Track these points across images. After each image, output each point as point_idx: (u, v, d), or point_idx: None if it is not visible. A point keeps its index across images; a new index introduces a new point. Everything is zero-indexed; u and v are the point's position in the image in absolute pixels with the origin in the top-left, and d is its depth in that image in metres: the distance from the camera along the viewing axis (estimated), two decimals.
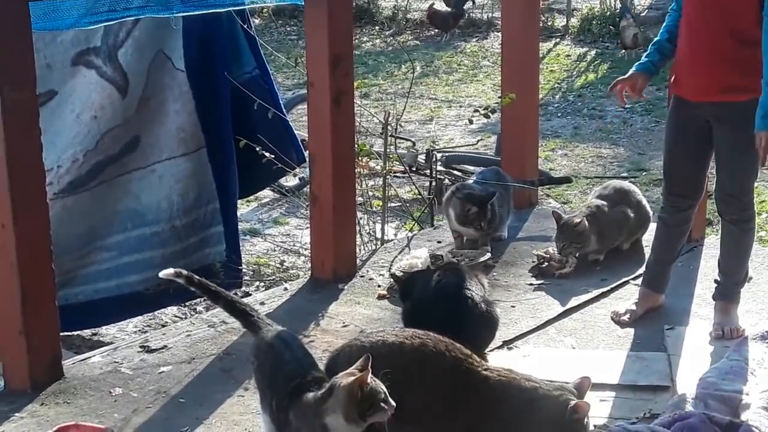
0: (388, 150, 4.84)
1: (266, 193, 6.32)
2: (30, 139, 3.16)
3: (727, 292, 3.51)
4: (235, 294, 4.78)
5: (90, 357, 3.44)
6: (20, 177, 3.11)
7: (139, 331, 4.57)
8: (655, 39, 3.55)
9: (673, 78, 3.52)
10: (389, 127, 4.78)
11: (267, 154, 4.45)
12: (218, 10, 4.26)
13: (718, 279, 3.54)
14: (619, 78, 3.61)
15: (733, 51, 3.24)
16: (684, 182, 3.50)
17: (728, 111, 3.29)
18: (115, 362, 3.37)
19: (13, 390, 3.16)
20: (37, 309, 3.17)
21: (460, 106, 8.87)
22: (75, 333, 4.48)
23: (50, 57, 4.34)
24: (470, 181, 4.64)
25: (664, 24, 3.53)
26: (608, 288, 3.93)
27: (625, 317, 3.62)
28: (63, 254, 4.06)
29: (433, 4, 11.92)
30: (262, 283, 4.96)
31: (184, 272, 2.76)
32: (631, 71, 3.56)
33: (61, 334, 3.42)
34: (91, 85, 4.40)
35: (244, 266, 4.90)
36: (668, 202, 3.59)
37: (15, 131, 3.09)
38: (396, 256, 4.31)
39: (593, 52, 10.77)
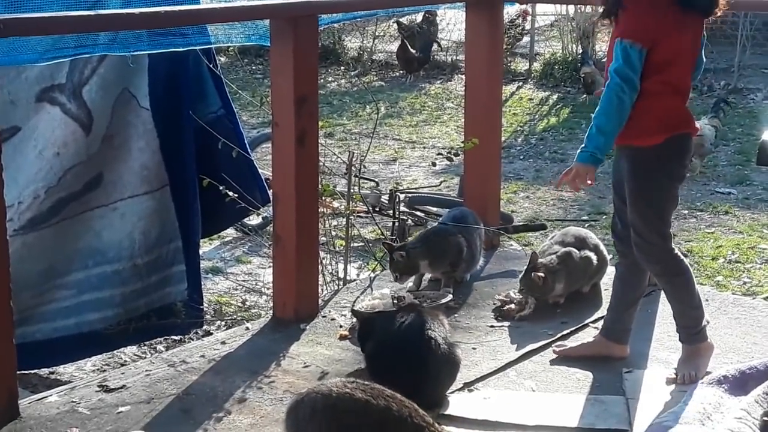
0: (351, 190, 4.86)
1: (229, 232, 6.31)
2: None
3: (687, 335, 3.54)
4: (196, 333, 4.79)
5: (47, 396, 3.39)
6: None
7: (98, 369, 4.52)
8: None
9: None
10: (353, 168, 4.81)
11: (231, 194, 4.45)
12: (185, 49, 4.28)
13: (676, 323, 3.58)
14: (569, 171, 3.37)
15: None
16: (623, 229, 3.51)
17: (625, 155, 3.37)
18: (72, 402, 3.33)
19: None
20: None
21: (424, 147, 8.95)
22: (32, 372, 4.42)
23: (14, 93, 4.33)
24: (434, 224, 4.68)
25: None
26: (568, 331, 3.97)
27: (564, 348, 3.67)
28: (22, 291, 4.02)
29: (403, 43, 12.04)
30: (224, 323, 4.94)
31: None
32: (575, 164, 3.36)
33: (18, 372, 3.37)
34: (54, 122, 4.39)
35: (205, 305, 4.88)
36: (616, 249, 3.65)
37: None
38: (358, 296, 4.32)
39: (555, 96, 10.94)
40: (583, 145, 3.28)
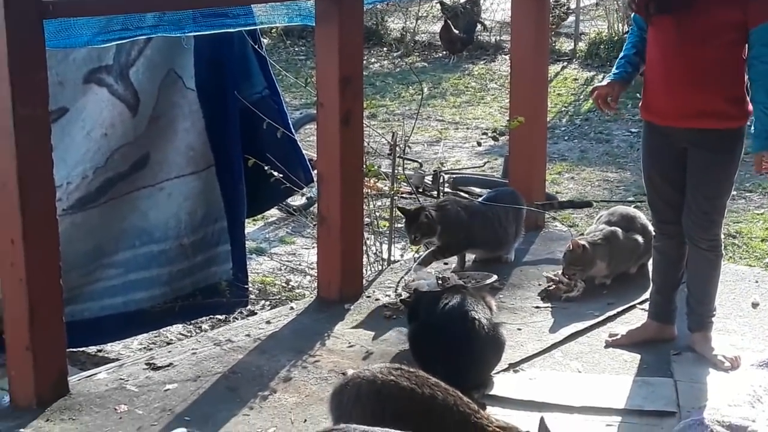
0: (395, 171, 4.85)
1: (273, 212, 6.32)
2: (41, 155, 3.18)
3: (705, 321, 3.52)
4: (241, 313, 4.82)
5: (96, 374, 3.44)
6: (31, 193, 3.13)
7: (144, 348, 4.57)
8: (622, 54, 3.57)
9: (641, 103, 3.52)
10: (398, 148, 4.79)
11: (275, 174, 4.46)
12: (230, 30, 4.28)
13: (693, 309, 3.53)
14: (597, 85, 3.62)
15: (712, 75, 3.26)
16: (669, 209, 3.50)
17: (706, 136, 3.32)
18: (120, 379, 3.38)
19: (18, 406, 3.17)
20: (45, 325, 3.17)
21: (467, 128, 8.89)
22: (80, 349, 4.48)
23: (62, 74, 4.36)
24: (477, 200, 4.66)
25: (628, 40, 3.57)
26: (615, 312, 3.93)
27: (616, 338, 3.63)
28: (70, 270, 4.07)
29: (446, 23, 11.95)
30: (268, 302, 4.96)
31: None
32: (606, 80, 3.57)
33: (67, 350, 3.42)
34: (102, 103, 4.42)
35: (250, 285, 4.90)
36: (658, 230, 3.61)
37: (26, 147, 3.11)
38: (402, 277, 4.31)
39: (600, 76, 10.75)
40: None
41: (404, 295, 3.93)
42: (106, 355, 4.49)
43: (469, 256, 4.52)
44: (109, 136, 4.43)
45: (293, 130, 5.03)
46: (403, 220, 4.33)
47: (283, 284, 5.24)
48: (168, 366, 3.47)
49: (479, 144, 5.05)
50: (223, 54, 4.62)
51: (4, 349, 3.37)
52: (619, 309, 3.96)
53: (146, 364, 3.50)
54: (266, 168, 4.47)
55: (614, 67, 3.60)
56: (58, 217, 3.33)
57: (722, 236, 3.50)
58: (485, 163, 7.19)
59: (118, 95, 4.44)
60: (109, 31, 3.85)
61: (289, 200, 5.83)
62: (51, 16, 3.22)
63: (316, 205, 6.24)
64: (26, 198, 3.11)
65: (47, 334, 3.18)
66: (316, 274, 4.39)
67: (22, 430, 3.01)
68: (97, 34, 3.83)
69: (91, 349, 4.51)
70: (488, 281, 4.14)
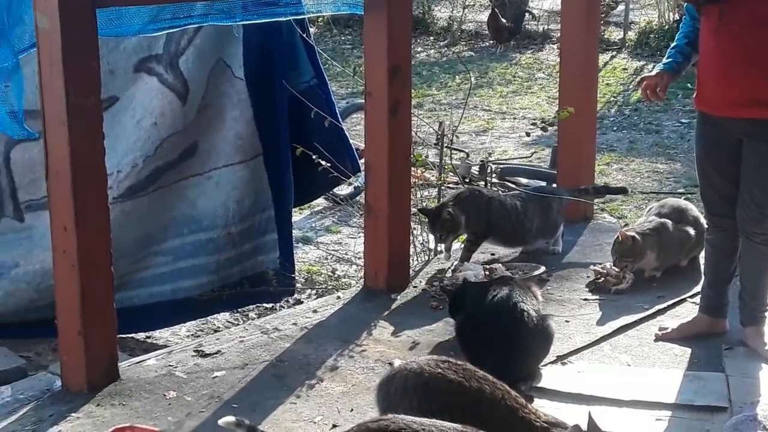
0: (443, 161, 4.82)
1: (319, 202, 6.34)
2: (93, 143, 3.21)
3: (758, 315, 3.46)
4: (287, 302, 4.84)
5: (145, 360, 3.48)
6: (83, 180, 3.16)
7: (192, 335, 4.61)
8: (673, 44, 3.54)
9: (695, 94, 3.46)
10: (446, 137, 4.77)
11: (323, 163, 4.46)
12: (278, 19, 4.29)
13: (746, 303, 3.47)
14: (645, 75, 3.58)
15: (765, 63, 3.19)
16: (722, 201, 3.44)
17: (761, 127, 3.25)
18: (169, 366, 3.41)
19: (70, 390, 3.21)
20: (96, 311, 3.21)
21: (514, 118, 8.83)
22: (129, 336, 4.53)
23: (113, 63, 4.40)
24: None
25: (680, 30, 3.53)
26: (665, 305, 3.88)
27: (666, 331, 3.58)
28: (120, 258, 4.10)
29: (493, 12, 11.87)
30: (314, 291, 4.98)
31: (246, 422, 2.48)
32: (655, 70, 3.53)
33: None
34: (152, 92, 4.46)
35: (296, 274, 4.92)
36: (711, 223, 3.54)
37: (79, 135, 3.14)
38: (449, 267, 4.29)
39: (650, 66, 10.60)
40: None
41: (447, 284, 3.91)
42: (154, 342, 4.53)
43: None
44: (158, 125, 4.46)
45: (340, 120, 5.03)
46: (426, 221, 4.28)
47: (330, 273, 5.25)
48: (216, 353, 3.50)
49: (528, 134, 5.01)
50: (272, 43, 4.63)
51: (56, 334, 3.42)
52: (670, 302, 3.91)
53: (194, 351, 3.53)
54: (314, 157, 4.48)
55: (665, 57, 3.55)
56: (108, 205, 3.36)
57: None
58: (532, 154, 7.14)
59: (167, 84, 4.47)
60: (159, 20, 3.88)
61: (336, 189, 5.84)
62: (103, 5, 3.25)
63: (362, 194, 6.29)
64: (78, 185, 3.15)
65: (98, 320, 3.22)
66: (362, 264, 4.40)
67: (73, 414, 3.05)
68: (148, 23, 3.86)
69: (140, 336, 4.55)
70: (536, 272, 4.10)
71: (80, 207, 3.15)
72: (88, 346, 3.19)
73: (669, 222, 4.19)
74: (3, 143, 4.27)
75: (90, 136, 3.19)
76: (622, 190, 5.51)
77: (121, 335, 4.26)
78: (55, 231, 3.22)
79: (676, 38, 3.53)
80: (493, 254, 4.51)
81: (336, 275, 5.22)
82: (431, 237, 4.81)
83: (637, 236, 4.02)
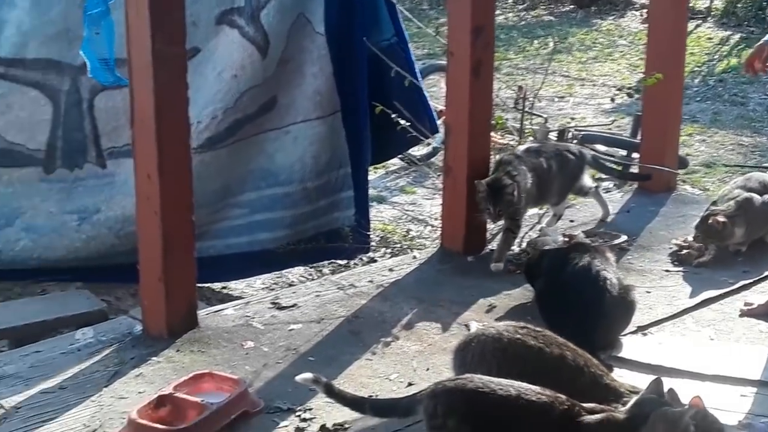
0: (522, 125, 4.74)
1: (393, 161, 6.30)
2: (178, 92, 3.22)
3: None
4: (361, 259, 4.84)
5: (223, 309, 3.51)
6: (167, 129, 3.18)
7: (267, 288, 4.64)
8: None
9: None
10: (527, 101, 4.69)
11: (402, 122, 4.42)
12: None
13: None
14: (751, 51, 3.49)
15: None
16: None
17: None
18: (247, 316, 3.43)
19: (150, 335, 3.25)
20: (177, 258, 3.24)
21: (594, 85, 8.65)
22: (205, 285, 4.58)
23: (196, 15, 4.40)
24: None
25: None
26: (751, 281, 3.77)
27: (751, 307, 3.47)
28: (198, 208, 4.08)
29: None
30: (389, 250, 4.96)
31: (323, 380, 2.51)
32: (760, 42, 3.42)
33: None
34: (233, 45, 4.45)
35: (371, 232, 4.90)
36: None
37: (164, 84, 3.16)
38: (527, 232, 4.23)
39: (737, 36, 10.30)
40: None
41: (528, 250, 3.85)
42: (229, 293, 4.58)
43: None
44: (238, 77, 4.47)
45: (420, 79, 4.97)
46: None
47: (404, 233, 5.23)
48: (292, 306, 3.51)
49: (613, 100, 4.90)
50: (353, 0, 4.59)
51: (135, 280, 3.47)
52: (756, 278, 3.79)
53: (271, 303, 3.54)
54: (393, 116, 4.43)
55: None
56: None
57: None
58: (612, 122, 6.99)
59: (248, 37, 4.46)
60: None
61: (411, 150, 5.79)
62: None
63: (438, 155, 6.23)
64: (163, 134, 3.17)
65: (179, 267, 3.25)
66: (437, 225, 4.36)
67: (154, 358, 3.09)
68: None
69: (216, 286, 4.60)
70: (616, 241, 4.03)
71: (164, 155, 3.18)
72: (169, 293, 3.22)
73: (755, 196, 4.06)
74: (88, 90, 4.32)
75: (174, 85, 3.20)
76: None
77: (198, 284, 4.29)
78: (139, 178, 3.25)
79: None
80: (572, 220, 4.43)
81: (410, 235, 5.20)
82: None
83: (727, 222, 3.90)
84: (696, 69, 9.21)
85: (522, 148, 4.13)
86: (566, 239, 3.97)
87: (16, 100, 4.25)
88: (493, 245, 4.08)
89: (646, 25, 5.31)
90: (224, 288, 4.61)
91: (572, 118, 6.47)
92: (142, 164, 3.23)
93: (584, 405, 2.35)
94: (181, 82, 3.22)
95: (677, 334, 3.36)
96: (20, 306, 4.05)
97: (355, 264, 4.75)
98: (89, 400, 2.84)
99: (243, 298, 4.08)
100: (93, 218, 4.37)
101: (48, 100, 4.29)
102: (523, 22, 11.31)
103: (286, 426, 2.72)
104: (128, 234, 4.21)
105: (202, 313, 3.41)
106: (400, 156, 5.99)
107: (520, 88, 4.89)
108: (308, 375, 2.50)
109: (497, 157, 4.11)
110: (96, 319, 3.71)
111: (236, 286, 4.65)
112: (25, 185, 4.35)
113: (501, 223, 3.95)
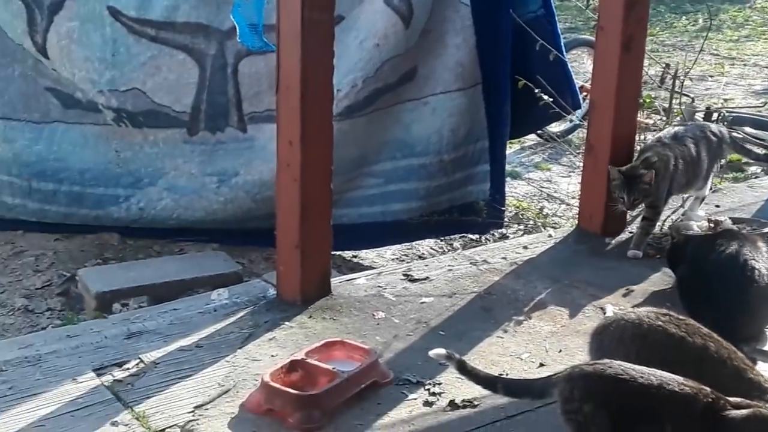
0: (671, 105, 4.56)
1: (529, 137, 6.20)
2: (324, 60, 3.22)
3: None
4: (493, 235, 4.78)
5: (355, 278, 3.53)
6: (312, 96, 3.19)
7: (397, 259, 4.65)
8: None
9: None
10: (678, 80, 4.50)
11: (545, 97, 4.32)
12: None
13: None
14: None
15: None
16: None
17: None
18: (378, 286, 3.44)
19: (284, 300, 3.30)
20: (314, 225, 3.27)
21: (744, 65, 8.27)
22: (337, 253, 4.62)
23: None
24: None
25: None
26: None
27: None
28: (334, 176, 4.16)
29: None
30: (521, 227, 4.88)
31: (456, 356, 2.46)
32: None
33: None
34: (377, 14, 4.44)
35: (506, 207, 4.83)
36: None
37: (311, 51, 3.16)
38: (669, 216, 4.08)
39: None
40: None
41: (673, 234, 3.70)
42: (360, 262, 4.60)
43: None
44: (380, 46, 4.45)
45: (564, 53, 4.84)
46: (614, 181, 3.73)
47: (538, 210, 5.13)
48: (424, 279, 3.49)
49: None
50: None
51: (269, 244, 3.52)
52: None
53: (403, 275, 3.53)
54: (536, 91, 4.34)
55: None
56: None
57: None
58: (764, 104, 6.66)
59: (393, 6, 4.44)
60: None
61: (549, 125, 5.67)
62: None
63: (575, 132, 6.08)
64: (307, 101, 3.17)
65: (315, 234, 3.27)
66: (574, 204, 4.25)
67: (287, 323, 3.13)
68: None
69: (347, 254, 4.63)
70: (766, 229, 3.83)
71: (307, 123, 3.19)
72: (304, 260, 3.25)
73: None
74: (233, 55, 4.40)
75: (321, 52, 3.20)
76: None
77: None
78: (281, 144, 3.27)
79: None
80: (717, 206, 4.25)
81: (544, 213, 5.10)
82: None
83: None
84: None
85: (667, 133, 3.96)
86: (711, 225, 3.82)
87: (165, 63, 4.36)
88: (633, 228, 3.95)
89: None
90: (354, 257, 4.64)
91: (723, 99, 6.18)
92: (285, 131, 3.25)
93: (730, 399, 2.25)
94: (327, 49, 3.22)
95: None
96: (159, 264, 4.17)
97: (486, 239, 4.70)
98: (224, 360, 2.90)
99: (373, 267, 4.09)
100: (231, 181, 4.47)
101: (195, 63, 4.39)
102: None
103: (414, 399, 2.71)
104: (265, 198, 4.28)
105: (335, 281, 3.43)
106: (538, 131, 5.88)
107: (668, 66, 4.70)
108: (441, 350, 2.47)
109: (642, 144, 3.96)
110: (231, 281, 3.79)
111: (367, 255, 4.67)
112: (169, 146, 4.48)
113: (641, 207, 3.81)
